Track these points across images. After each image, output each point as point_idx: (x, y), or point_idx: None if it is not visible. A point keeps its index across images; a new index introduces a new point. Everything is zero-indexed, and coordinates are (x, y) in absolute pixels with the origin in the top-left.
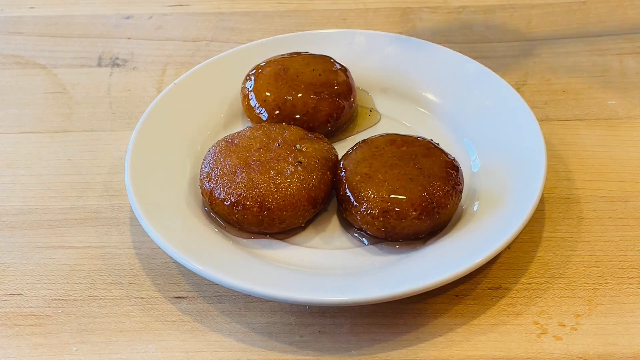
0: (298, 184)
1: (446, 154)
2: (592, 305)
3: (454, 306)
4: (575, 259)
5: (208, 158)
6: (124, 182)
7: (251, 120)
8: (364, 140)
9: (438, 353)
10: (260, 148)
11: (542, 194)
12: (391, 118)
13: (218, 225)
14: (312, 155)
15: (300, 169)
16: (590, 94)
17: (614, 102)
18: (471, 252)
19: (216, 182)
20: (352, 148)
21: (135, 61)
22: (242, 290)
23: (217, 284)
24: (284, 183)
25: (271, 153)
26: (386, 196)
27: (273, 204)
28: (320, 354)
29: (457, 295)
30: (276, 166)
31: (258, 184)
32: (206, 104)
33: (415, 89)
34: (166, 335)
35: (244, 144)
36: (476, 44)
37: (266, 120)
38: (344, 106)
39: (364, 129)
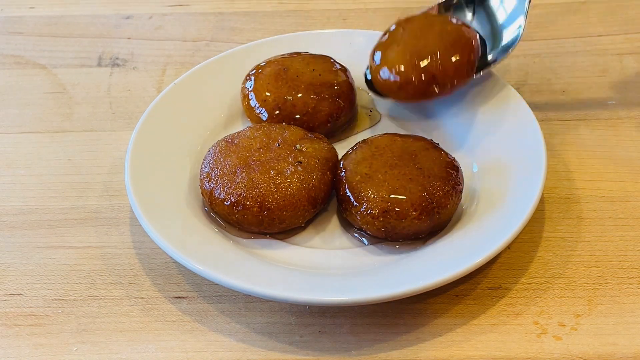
0: (298, 184)
1: (446, 154)
2: (592, 305)
3: (454, 306)
4: (575, 259)
5: (208, 158)
6: (124, 182)
7: (251, 120)
8: (364, 140)
9: (438, 353)
10: (260, 148)
11: (542, 194)
12: (391, 118)
13: (218, 225)
14: (312, 155)
15: (300, 169)
16: (590, 94)
17: (614, 102)
18: (471, 252)
19: (216, 182)
20: (352, 148)
21: (135, 61)
22: (242, 290)
23: (217, 284)
24: (284, 183)
25: (271, 153)
26: (386, 196)
27: (273, 204)
28: (320, 354)
29: (457, 295)
30: (276, 166)
31: (258, 184)
32: (206, 104)
33: None
34: (166, 335)
35: (244, 144)
36: None
37: (266, 120)
38: (344, 106)
39: (364, 129)
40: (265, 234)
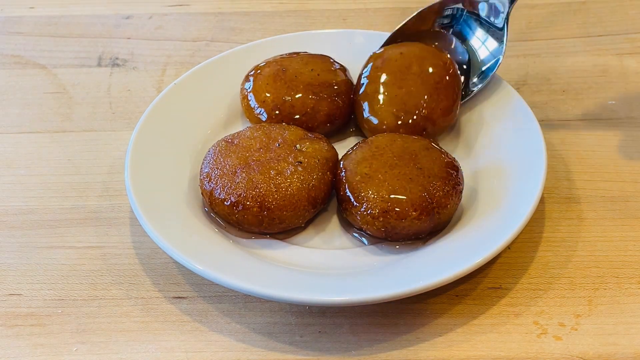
0: (298, 184)
1: (446, 154)
2: (592, 305)
3: (454, 306)
4: (575, 259)
5: (208, 158)
6: (124, 182)
7: (251, 120)
8: (364, 140)
9: (438, 353)
10: (260, 148)
11: (542, 194)
12: None
13: (218, 225)
14: (312, 155)
15: (300, 169)
16: (590, 94)
17: (614, 102)
18: (471, 252)
19: (216, 182)
20: (352, 148)
21: (135, 61)
22: (242, 290)
23: (217, 284)
24: (284, 183)
25: (271, 153)
26: (386, 196)
27: (273, 204)
28: (320, 354)
29: (457, 295)
30: (276, 166)
31: (258, 184)
32: (206, 104)
33: None
34: (166, 335)
35: (244, 144)
36: None
37: (266, 121)
38: (343, 106)
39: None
40: (265, 234)
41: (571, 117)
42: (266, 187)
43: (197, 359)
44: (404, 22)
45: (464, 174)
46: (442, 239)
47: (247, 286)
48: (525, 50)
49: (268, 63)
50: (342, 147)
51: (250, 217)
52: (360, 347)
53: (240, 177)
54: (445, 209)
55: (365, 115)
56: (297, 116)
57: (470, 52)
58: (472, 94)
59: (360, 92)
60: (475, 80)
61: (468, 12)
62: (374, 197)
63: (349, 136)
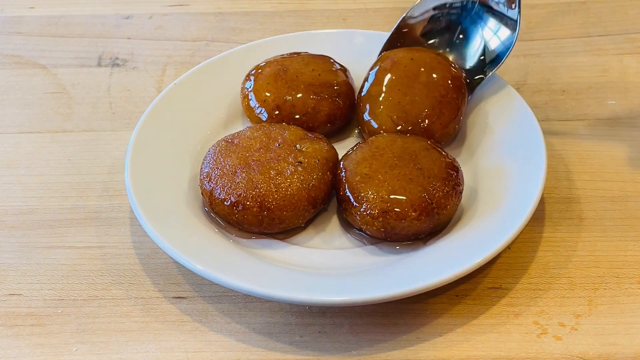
0: (298, 184)
1: (446, 155)
2: (592, 305)
3: (454, 306)
4: (575, 259)
5: (208, 158)
6: (124, 182)
7: (251, 120)
8: (364, 141)
9: (438, 353)
10: (260, 148)
11: (542, 194)
12: None
13: (218, 225)
14: (312, 155)
15: (300, 169)
16: (590, 94)
17: (614, 102)
18: (471, 252)
19: (216, 182)
20: (352, 148)
21: (135, 61)
22: (242, 290)
23: (217, 284)
24: (284, 183)
25: (271, 153)
26: (386, 197)
27: (273, 204)
28: (320, 354)
29: (457, 295)
30: (276, 166)
31: (258, 184)
32: (206, 104)
33: None
34: (166, 335)
35: (244, 144)
36: None
37: (266, 121)
38: (343, 106)
39: None
40: (265, 234)
41: (571, 117)
42: (266, 187)
43: (197, 359)
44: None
45: (464, 174)
46: (442, 239)
47: (247, 286)
48: (525, 50)
49: (269, 63)
50: (342, 147)
51: (250, 217)
52: (360, 347)
53: (240, 177)
54: (445, 210)
55: (365, 118)
56: (298, 116)
57: (482, 35)
58: (487, 78)
59: (364, 92)
60: (488, 63)
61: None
62: (373, 198)
63: (349, 136)
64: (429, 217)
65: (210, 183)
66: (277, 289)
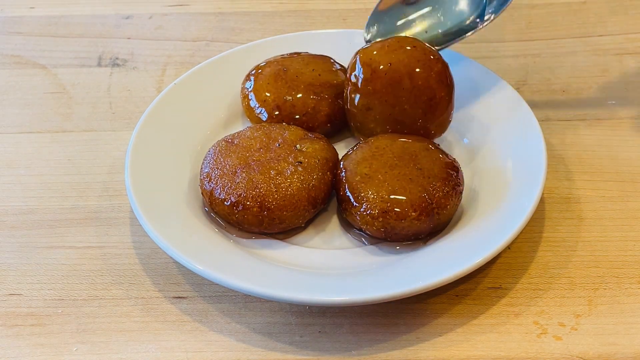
0: (298, 184)
1: (446, 155)
2: (592, 305)
3: (454, 306)
4: (575, 259)
5: (208, 158)
6: (124, 182)
7: (251, 120)
8: (364, 141)
9: (438, 353)
10: (261, 148)
11: (542, 194)
12: None
13: (218, 225)
14: (312, 155)
15: (300, 169)
16: (590, 94)
17: (614, 102)
18: (471, 252)
19: (216, 182)
20: (352, 148)
21: (135, 61)
22: (242, 290)
23: (217, 284)
24: (284, 183)
25: (271, 153)
26: (386, 197)
27: (273, 204)
28: (320, 354)
29: (457, 295)
30: (276, 166)
31: (258, 184)
32: (206, 104)
33: None
34: (166, 335)
35: (244, 144)
36: (476, 44)
37: (266, 121)
38: (343, 106)
39: None
40: (265, 234)
41: (571, 117)
42: (266, 187)
43: (197, 359)
44: None
45: (464, 174)
46: (442, 239)
47: (247, 286)
48: (525, 50)
49: (269, 63)
50: (342, 147)
51: (250, 217)
52: (360, 347)
53: (240, 177)
54: (444, 210)
55: (360, 132)
56: (298, 116)
57: None
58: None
59: (350, 104)
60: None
61: None
62: (373, 198)
63: (349, 136)
64: (429, 217)
65: (210, 183)
66: (277, 289)
